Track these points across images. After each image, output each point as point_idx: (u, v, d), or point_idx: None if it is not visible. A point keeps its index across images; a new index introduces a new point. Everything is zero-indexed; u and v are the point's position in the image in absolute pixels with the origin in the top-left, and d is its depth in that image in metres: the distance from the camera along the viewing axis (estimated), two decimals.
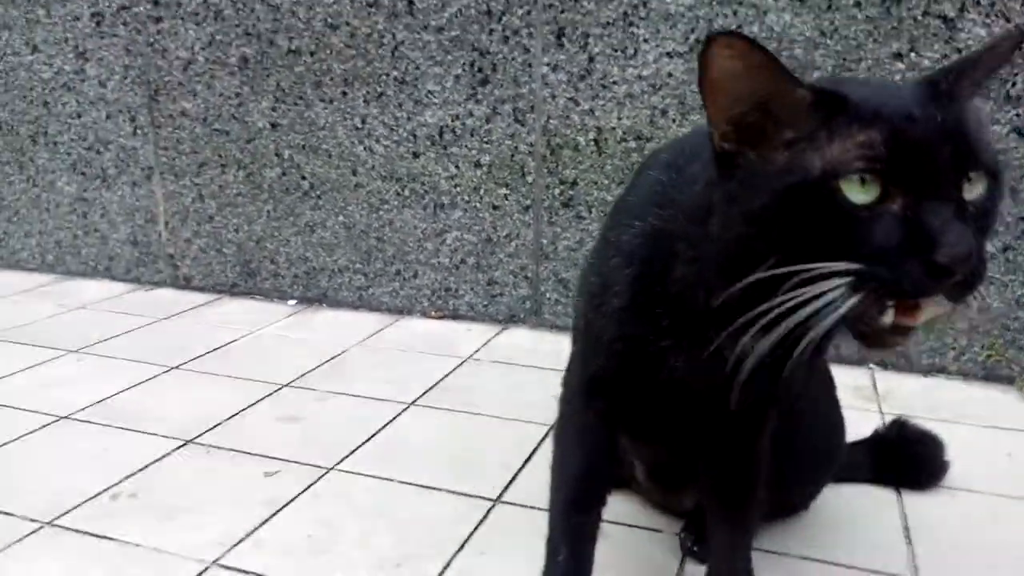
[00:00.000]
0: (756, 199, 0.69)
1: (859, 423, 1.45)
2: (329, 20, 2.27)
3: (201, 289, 2.63)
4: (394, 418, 1.64)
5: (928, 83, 0.71)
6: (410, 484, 1.39)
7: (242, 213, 2.53)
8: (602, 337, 0.91)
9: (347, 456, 1.48)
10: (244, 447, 1.51)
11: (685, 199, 0.82)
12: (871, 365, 1.97)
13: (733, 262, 0.72)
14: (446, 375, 1.87)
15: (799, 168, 0.67)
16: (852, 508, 1.32)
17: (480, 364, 1.96)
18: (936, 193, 0.65)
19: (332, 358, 1.99)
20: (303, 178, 2.42)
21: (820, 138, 0.67)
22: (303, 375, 1.87)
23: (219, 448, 1.51)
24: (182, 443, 1.53)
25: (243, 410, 1.68)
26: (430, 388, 1.79)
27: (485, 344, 2.10)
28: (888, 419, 1.49)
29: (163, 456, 1.48)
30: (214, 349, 2.05)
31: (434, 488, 1.37)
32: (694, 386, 0.88)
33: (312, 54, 2.32)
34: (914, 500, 1.34)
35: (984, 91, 0.77)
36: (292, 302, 2.50)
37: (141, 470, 1.43)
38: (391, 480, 1.40)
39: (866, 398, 1.77)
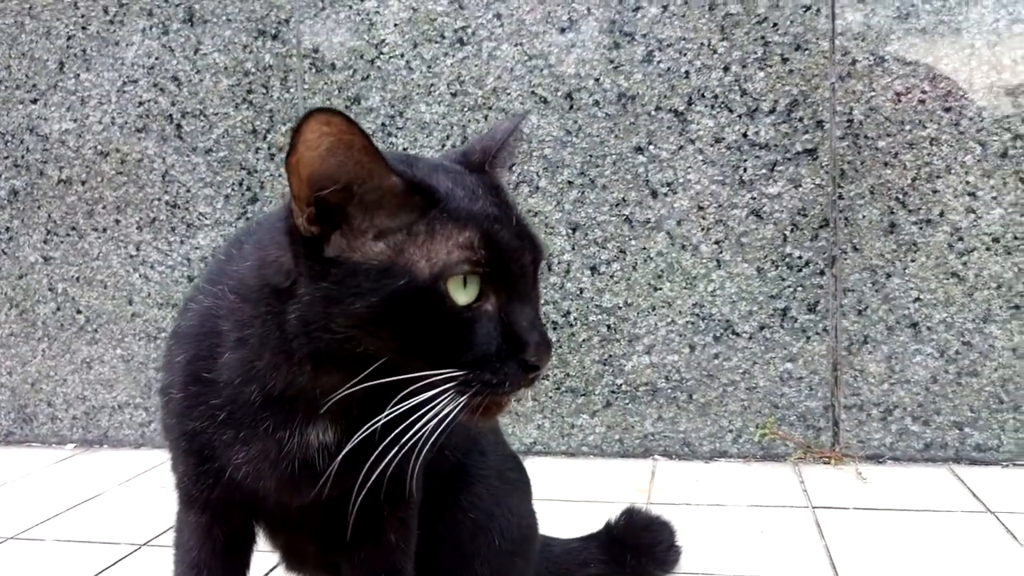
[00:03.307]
0: (360, 301, 0.66)
1: None
2: (99, 147, 2.22)
3: None
4: (112, 565, 1.47)
5: (478, 170, 0.76)
6: None
7: (16, 354, 2.35)
8: (169, 437, 0.83)
9: None
10: None
11: (235, 275, 0.77)
12: (656, 456, 1.92)
13: (328, 359, 0.70)
14: None
15: (404, 269, 0.66)
16: None
17: None
18: (523, 293, 0.70)
19: (77, 504, 1.80)
20: (78, 312, 2.29)
21: (420, 233, 0.67)
22: (34, 526, 1.68)
23: None
24: None
25: None
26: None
27: None
28: (654, 509, 1.43)
29: None
30: None
31: None
32: (265, 484, 0.79)
33: (83, 183, 2.25)
34: None
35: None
36: (71, 446, 2.30)
37: None
38: None
39: (639, 490, 1.71)
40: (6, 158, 2.29)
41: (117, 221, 2.23)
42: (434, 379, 0.66)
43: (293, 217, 0.68)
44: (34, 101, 2.26)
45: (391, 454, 0.73)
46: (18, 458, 2.21)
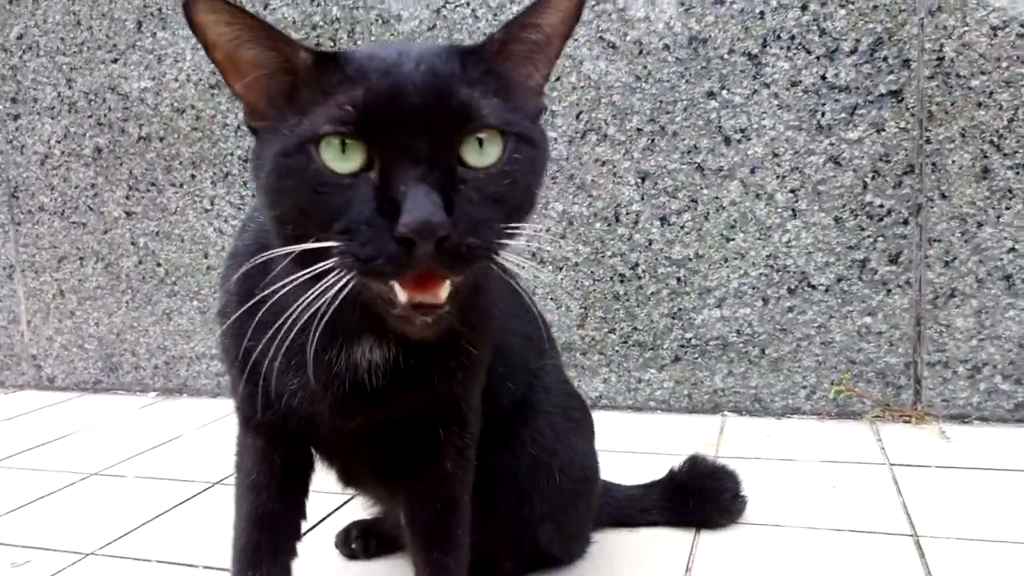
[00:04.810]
0: (263, 169, 0.66)
1: None
2: (175, 104, 2.28)
3: (64, 388, 2.52)
4: (187, 500, 1.52)
5: (454, 47, 0.68)
6: (168, 563, 1.26)
7: (102, 306, 2.45)
8: (227, 359, 0.85)
9: (114, 541, 1.36)
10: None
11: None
12: (725, 412, 1.87)
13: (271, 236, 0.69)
14: None
15: (286, 136, 0.63)
16: (638, 555, 1.20)
17: None
18: (409, 155, 0.60)
19: (156, 446, 1.87)
20: (158, 264, 2.37)
21: (317, 102, 0.64)
22: (118, 463, 1.75)
23: None
24: None
25: (33, 501, 1.55)
26: None
27: None
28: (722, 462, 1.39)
29: None
30: (38, 446, 1.93)
31: (191, 566, 1.25)
32: (318, 408, 0.79)
33: (161, 139, 2.31)
34: (710, 540, 1.23)
35: (549, 61, 0.72)
36: (153, 394, 2.40)
37: None
38: (149, 561, 1.27)
39: (707, 444, 1.67)
40: (90, 117, 2.38)
41: (193, 176, 2.29)
42: (319, 249, 0.61)
43: (246, 115, 0.70)
44: (114, 61, 2.33)
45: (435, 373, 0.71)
46: (105, 404, 2.31)
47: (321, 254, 0.61)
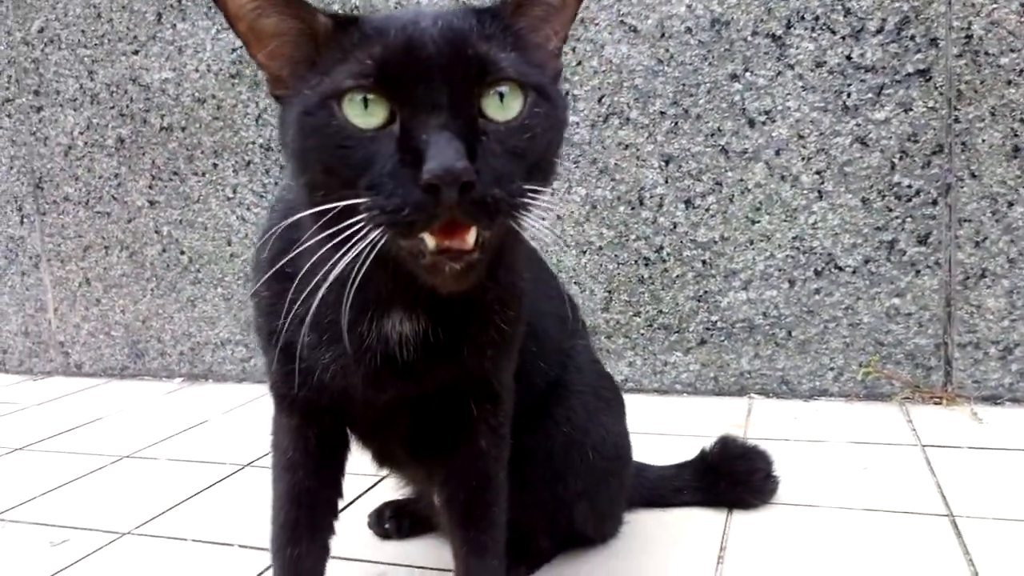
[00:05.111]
0: (288, 132, 0.68)
1: None
2: (196, 95, 2.29)
3: (92, 375, 2.55)
4: (218, 481, 1.54)
5: (471, 7, 0.69)
6: (203, 542, 1.27)
7: (127, 293, 2.48)
8: (260, 338, 0.85)
9: (149, 520, 1.37)
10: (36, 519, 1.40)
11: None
12: (752, 395, 1.87)
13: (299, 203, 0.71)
14: None
15: (308, 96, 0.65)
16: (671, 534, 1.20)
17: None
18: (430, 106, 0.61)
19: (185, 430, 1.89)
20: (182, 252, 2.38)
21: (338, 61, 0.65)
22: (149, 446, 1.77)
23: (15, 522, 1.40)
24: None
25: (67, 483, 1.57)
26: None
27: None
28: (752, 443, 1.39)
29: None
30: (69, 430, 1.95)
31: (226, 544, 1.26)
32: (351, 381, 0.80)
33: (183, 129, 2.32)
34: (742, 520, 1.23)
35: (564, 24, 0.74)
36: (179, 380, 2.42)
37: None
38: (184, 540, 1.29)
39: (735, 426, 1.66)
40: (112, 108, 2.39)
41: (215, 165, 2.30)
42: (347, 207, 0.61)
43: (270, 85, 0.71)
44: (135, 52, 2.34)
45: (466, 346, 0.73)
46: (132, 389, 2.34)
47: (348, 214, 0.62)
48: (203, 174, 2.32)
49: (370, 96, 0.62)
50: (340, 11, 0.72)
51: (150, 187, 2.39)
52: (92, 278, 2.51)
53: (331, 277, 0.63)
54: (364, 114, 0.62)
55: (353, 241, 0.60)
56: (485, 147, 0.62)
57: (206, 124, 2.29)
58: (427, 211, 0.59)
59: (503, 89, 0.64)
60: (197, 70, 2.28)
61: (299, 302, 0.73)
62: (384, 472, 1.15)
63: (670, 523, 1.23)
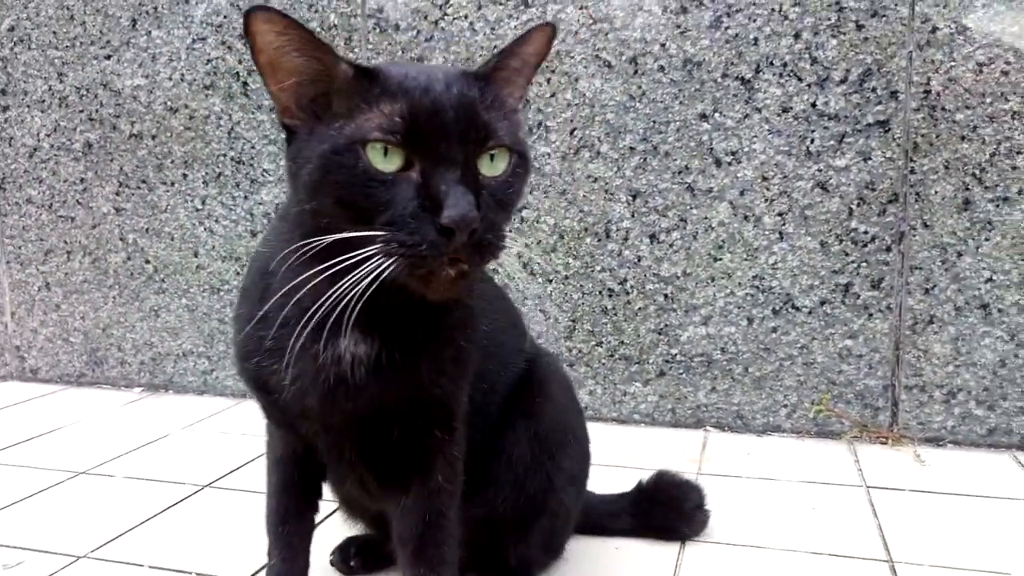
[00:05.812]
0: (306, 165, 0.73)
1: None
2: (169, 103, 2.28)
3: (48, 381, 2.52)
4: (178, 503, 1.54)
5: (466, 71, 0.78)
6: (160, 569, 1.28)
7: (88, 300, 2.45)
8: (242, 379, 0.91)
9: (105, 543, 1.37)
10: None
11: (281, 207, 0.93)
12: (707, 428, 1.91)
13: (300, 232, 0.77)
14: (256, 457, 1.77)
15: (334, 136, 0.72)
16: (622, 570, 1.23)
17: None
18: (447, 162, 0.71)
19: (144, 444, 1.88)
20: (147, 262, 2.36)
21: (358, 108, 0.72)
22: (106, 462, 1.76)
23: None
24: None
25: (22, 499, 1.56)
26: (235, 469, 1.69)
27: None
28: (705, 480, 1.43)
29: None
30: (25, 440, 1.93)
31: (183, 572, 1.26)
32: (307, 402, 0.85)
33: (154, 137, 2.31)
34: (692, 558, 1.27)
35: (526, 84, 0.85)
36: (138, 390, 2.40)
37: None
38: (141, 566, 1.29)
39: (690, 460, 1.71)
40: (81, 112, 2.37)
41: (185, 175, 2.29)
42: (361, 238, 0.70)
43: (279, 113, 0.77)
44: (108, 57, 2.32)
45: (424, 370, 0.81)
46: (90, 398, 2.31)
47: (356, 244, 0.70)
48: (172, 184, 2.30)
49: (389, 146, 0.71)
50: (358, 61, 0.76)
51: (117, 194, 2.37)
52: (52, 283, 2.48)
53: (334, 296, 0.71)
54: (384, 160, 0.71)
55: (366, 266, 0.69)
56: (484, 199, 0.72)
57: (177, 134, 2.28)
58: (440, 249, 0.69)
59: (495, 152, 0.75)
60: (171, 79, 2.27)
61: (267, 337, 0.82)
62: (345, 513, 1.18)
63: (621, 559, 1.27)
